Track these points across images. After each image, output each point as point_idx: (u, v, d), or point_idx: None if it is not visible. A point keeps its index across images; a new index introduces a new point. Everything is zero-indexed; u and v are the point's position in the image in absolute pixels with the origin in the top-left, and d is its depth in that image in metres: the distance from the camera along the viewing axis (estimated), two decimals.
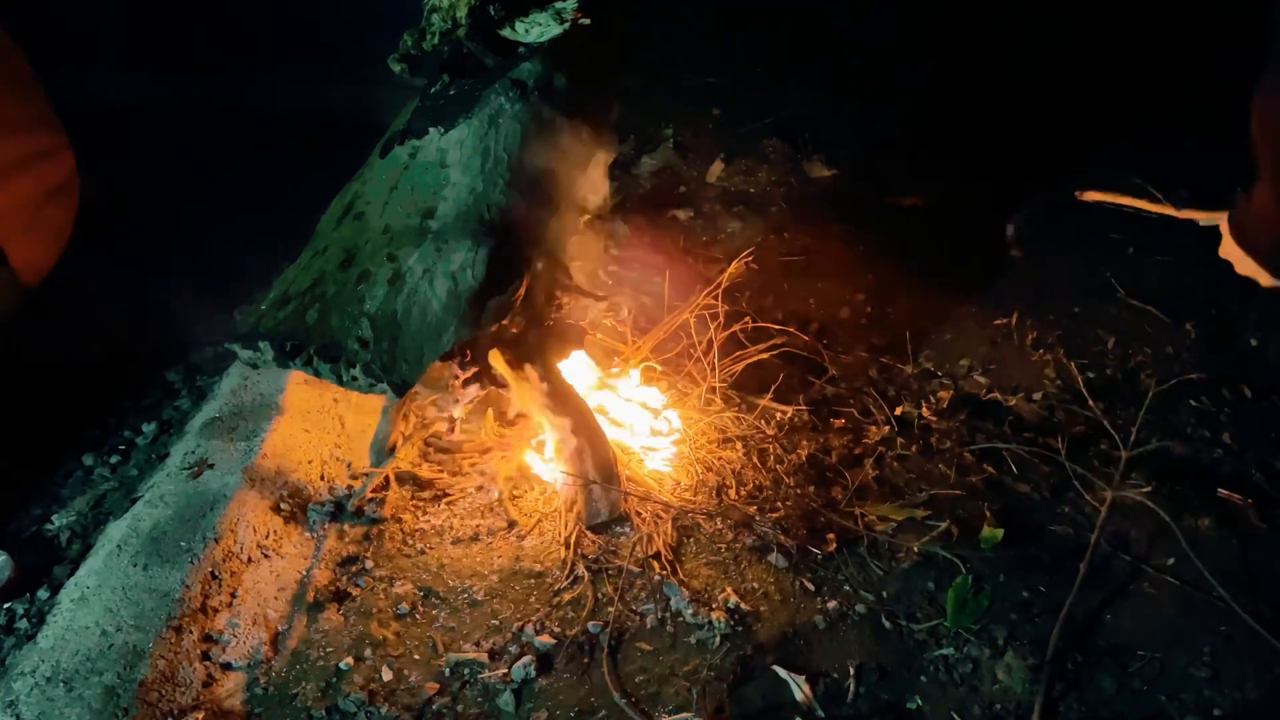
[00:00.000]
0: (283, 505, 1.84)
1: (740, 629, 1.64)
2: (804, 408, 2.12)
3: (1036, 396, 2.21)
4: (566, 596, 1.71)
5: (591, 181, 1.76)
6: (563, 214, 1.74)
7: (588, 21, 1.58)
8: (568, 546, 1.79)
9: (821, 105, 3.57)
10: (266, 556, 1.75)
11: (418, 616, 1.69)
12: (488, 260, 1.51)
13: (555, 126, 1.63)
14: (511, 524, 1.87)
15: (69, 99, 2.38)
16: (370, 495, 1.91)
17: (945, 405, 2.18)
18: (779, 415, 2.10)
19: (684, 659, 1.59)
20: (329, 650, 1.62)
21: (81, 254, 2.41)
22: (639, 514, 1.84)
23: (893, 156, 3.31)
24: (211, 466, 1.86)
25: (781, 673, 1.55)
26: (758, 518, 1.83)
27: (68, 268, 2.35)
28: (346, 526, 1.86)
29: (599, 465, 1.81)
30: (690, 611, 1.66)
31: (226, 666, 1.57)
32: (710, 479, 1.93)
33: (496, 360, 1.81)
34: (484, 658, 1.59)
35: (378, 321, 1.45)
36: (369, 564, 1.79)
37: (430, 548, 1.83)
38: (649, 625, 1.66)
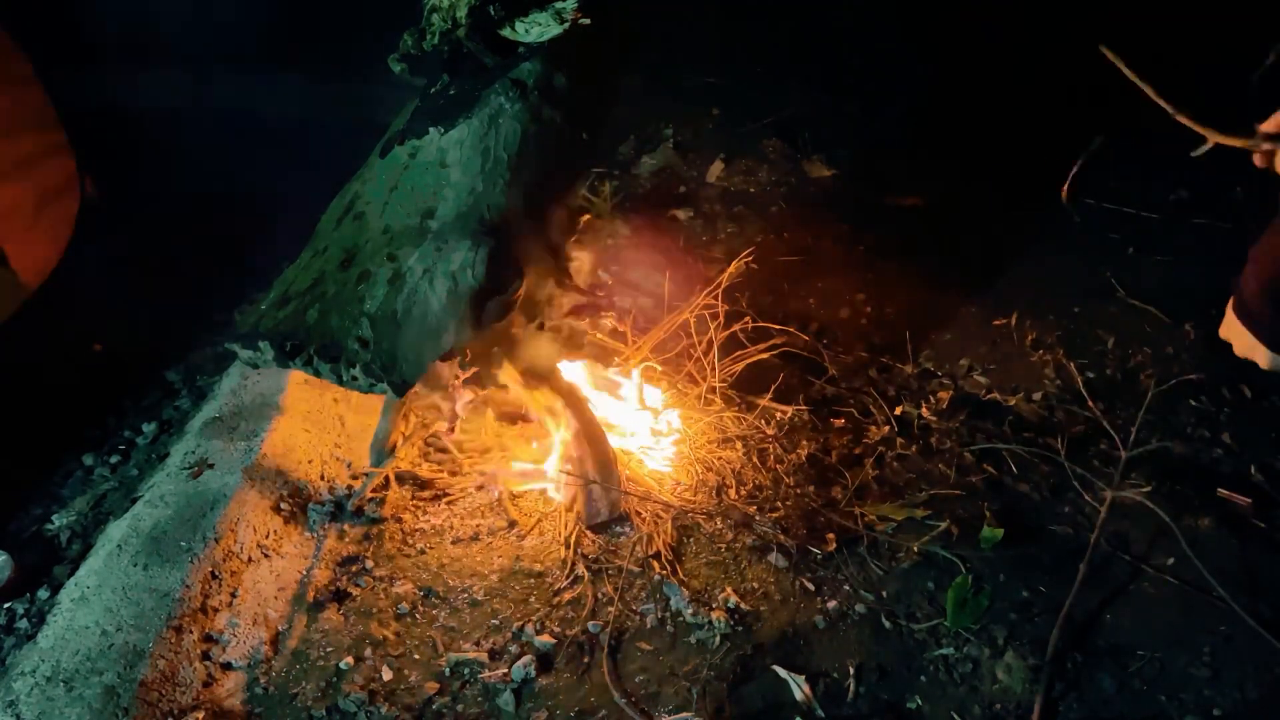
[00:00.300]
0: (283, 505, 1.84)
1: (740, 629, 1.64)
2: (804, 408, 2.12)
3: (1036, 396, 2.21)
4: (566, 596, 1.71)
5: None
6: (562, 214, 1.74)
7: (588, 21, 1.58)
8: (568, 546, 1.79)
9: (821, 105, 3.57)
10: (266, 556, 1.75)
11: (418, 616, 1.69)
12: (488, 260, 1.51)
13: (555, 126, 1.63)
14: (511, 524, 1.87)
15: (69, 99, 2.38)
16: (370, 495, 1.90)
17: (945, 405, 2.18)
18: (779, 415, 2.10)
19: (684, 659, 1.59)
20: (329, 650, 1.62)
21: (81, 254, 2.41)
22: (639, 514, 1.84)
23: (893, 156, 3.31)
24: (211, 466, 1.86)
25: (781, 673, 1.55)
26: (758, 518, 1.83)
27: (68, 268, 2.36)
28: (346, 526, 1.86)
29: (599, 465, 1.81)
30: (690, 611, 1.66)
31: (226, 666, 1.57)
32: (710, 479, 1.93)
33: (497, 361, 1.81)
34: (484, 657, 1.59)
35: (378, 321, 1.45)
36: (369, 564, 1.79)
37: (430, 548, 1.83)
38: (649, 625, 1.66)
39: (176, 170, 3.10)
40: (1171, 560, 1.75)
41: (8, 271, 2.12)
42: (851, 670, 1.57)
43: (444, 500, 1.93)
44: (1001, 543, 1.78)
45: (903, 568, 1.76)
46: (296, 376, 2.08)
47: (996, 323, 2.48)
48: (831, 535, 1.80)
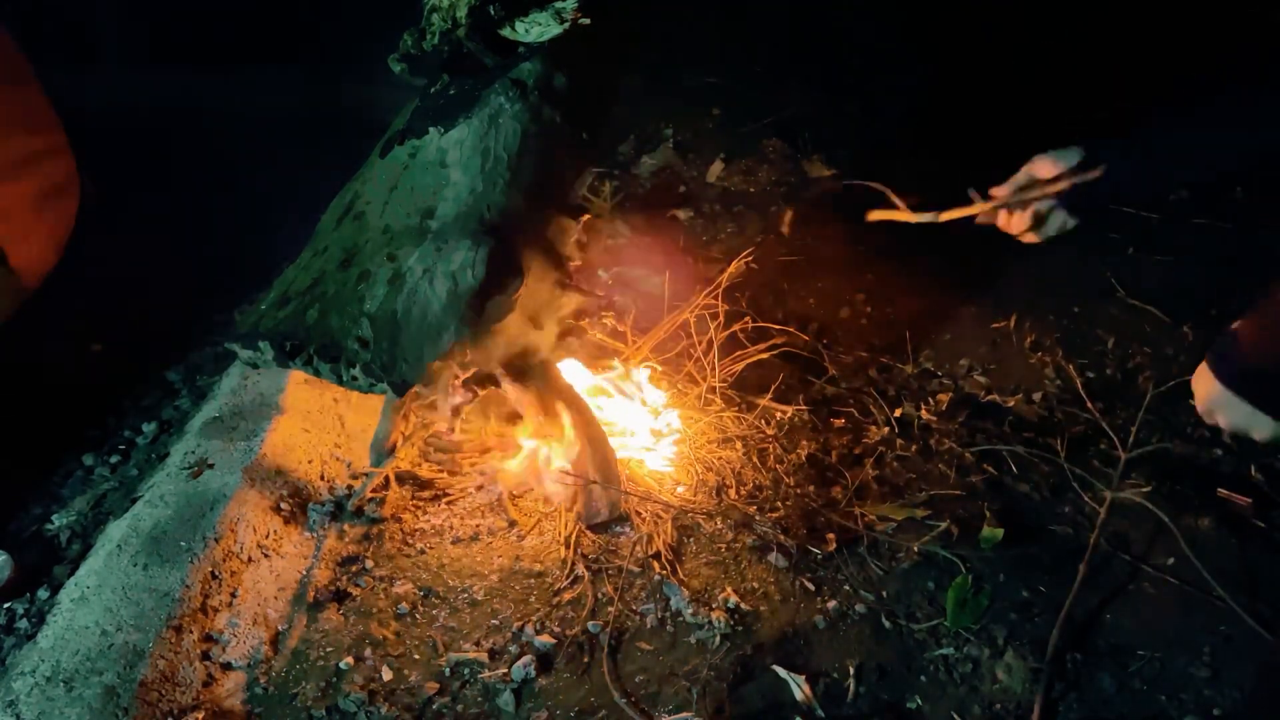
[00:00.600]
0: (283, 505, 1.84)
1: (740, 629, 1.64)
2: (804, 408, 2.12)
3: (1036, 397, 2.21)
4: (566, 596, 1.71)
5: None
6: (562, 214, 1.74)
7: (588, 21, 1.58)
8: (568, 546, 1.79)
9: (821, 105, 3.57)
10: (266, 556, 1.75)
11: (418, 616, 1.69)
12: (488, 260, 1.51)
13: (555, 126, 1.63)
14: (511, 524, 1.87)
15: (69, 99, 2.38)
16: (370, 495, 1.90)
17: (945, 405, 2.18)
18: (779, 415, 2.10)
19: (684, 659, 1.59)
20: (329, 650, 1.62)
21: (81, 254, 2.41)
22: (639, 514, 1.84)
23: (893, 156, 3.31)
24: (211, 466, 1.86)
25: (781, 673, 1.55)
26: (758, 518, 1.83)
27: (68, 268, 2.36)
28: (346, 526, 1.86)
29: (599, 465, 1.81)
30: (690, 611, 1.66)
31: (226, 666, 1.57)
32: (710, 479, 1.93)
33: (497, 361, 1.81)
34: (484, 657, 1.59)
35: (378, 321, 1.45)
36: (369, 564, 1.79)
37: (430, 548, 1.83)
38: (649, 625, 1.66)
39: (176, 170, 3.10)
40: (1171, 560, 1.75)
41: (8, 271, 2.12)
42: (851, 670, 1.57)
43: (444, 500, 1.93)
44: (1001, 543, 1.78)
45: (903, 568, 1.76)
46: (296, 376, 2.08)
47: (996, 324, 2.48)
48: (831, 535, 1.80)
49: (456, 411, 1.92)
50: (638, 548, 1.79)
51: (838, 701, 1.53)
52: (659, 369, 2.16)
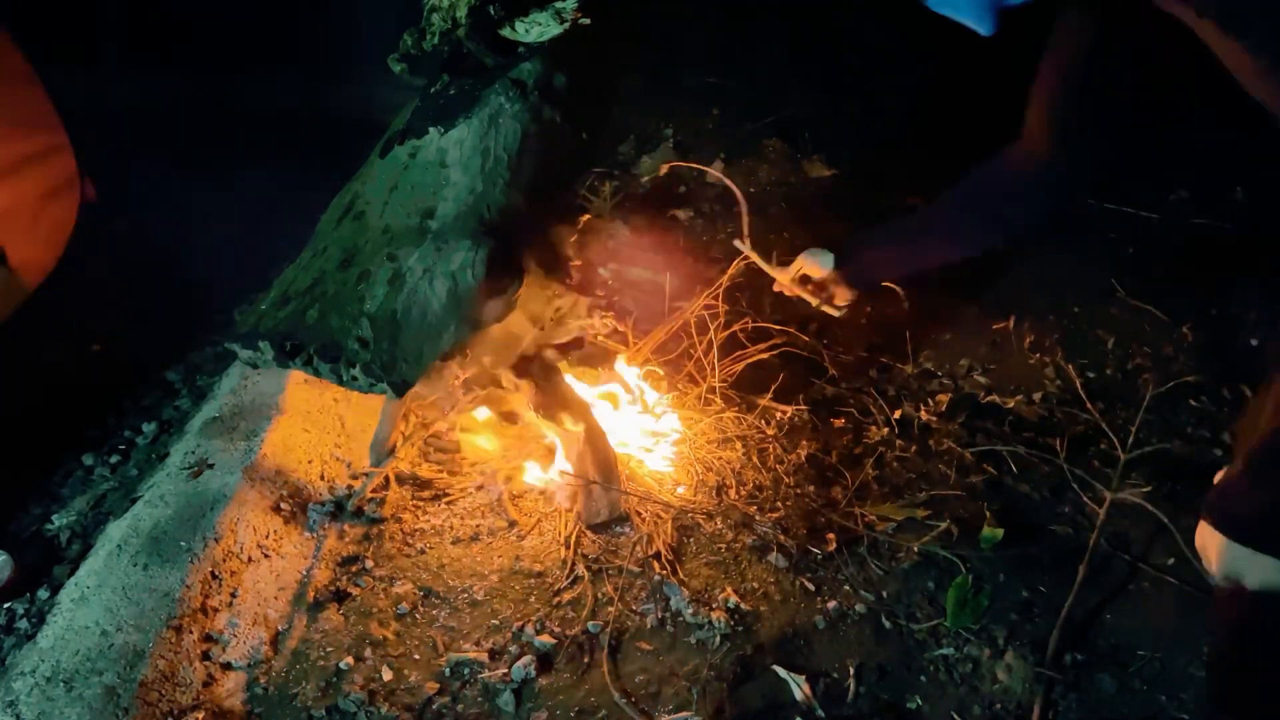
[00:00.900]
0: (283, 505, 1.84)
1: (740, 629, 1.64)
2: (804, 408, 2.12)
3: (1036, 397, 2.21)
4: (566, 596, 1.71)
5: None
6: (562, 214, 1.74)
7: (588, 21, 1.58)
8: (568, 546, 1.79)
9: (821, 105, 3.57)
10: (266, 556, 1.75)
11: (418, 616, 1.69)
12: (488, 260, 1.51)
13: (555, 126, 1.63)
14: (511, 524, 1.87)
15: (69, 99, 2.38)
16: (370, 495, 1.90)
17: (945, 405, 2.18)
18: (779, 415, 2.10)
19: (684, 659, 1.59)
20: (329, 650, 1.62)
21: (81, 254, 2.41)
22: (639, 514, 1.84)
23: (893, 156, 3.31)
24: (211, 466, 1.86)
25: (781, 673, 1.55)
26: (758, 518, 1.83)
27: (68, 268, 2.35)
28: (346, 526, 1.86)
29: (599, 465, 1.81)
30: (690, 611, 1.66)
31: (226, 666, 1.57)
32: (710, 479, 1.93)
33: (496, 360, 1.81)
34: (484, 658, 1.59)
35: (378, 321, 1.45)
36: (369, 564, 1.79)
37: (430, 548, 1.83)
38: (649, 625, 1.66)
39: (176, 170, 3.10)
40: (1171, 560, 1.75)
41: (8, 271, 2.12)
42: (851, 670, 1.57)
43: (444, 500, 1.93)
44: (1001, 543, 1.78)
45: (903, 568, 1.76)
46: (296, 376, 2.07)
47: (996, 325, 2.48)
48: (831, 535, 1.80)
49: (456, 411, 1.92)
50: (638, 548, 1.79)
51: (838, 701, 1.53)
52: (659, 369, 2.16)
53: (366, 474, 1.96)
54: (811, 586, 1.72)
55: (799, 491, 1.90)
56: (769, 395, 2.11)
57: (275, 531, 1.79)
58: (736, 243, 1.95)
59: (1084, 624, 1.64)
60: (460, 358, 1.76)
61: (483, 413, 2.01)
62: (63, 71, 2.47)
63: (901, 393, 2.25)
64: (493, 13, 1.62)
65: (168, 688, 1.49)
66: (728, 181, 1.99)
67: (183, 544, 1.68)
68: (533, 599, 1.71)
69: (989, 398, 2.22)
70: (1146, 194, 3.01)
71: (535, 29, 1.62)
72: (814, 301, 1.88)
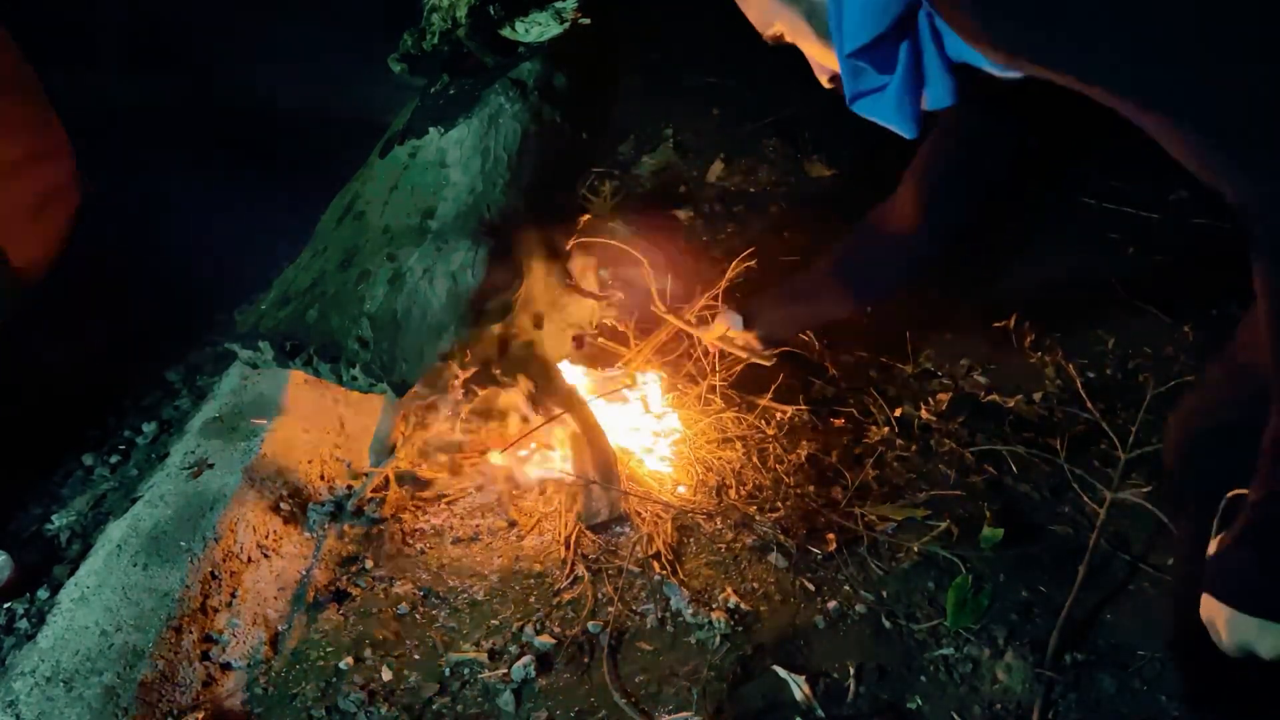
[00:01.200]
0: (283, 505, 1.84)
1: (740, 629, 1.64)
2: (804, 408, 2.12)
3: (1036, 397, 2.21)
4: (566, 596, 1.71)
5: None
6: (562, 214, 1.74)
7: (588, 21, 1.58)
8: (568, 546, 1.79)
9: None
10: (266, 556, 1.75)
11: (418, 616, 1.69)
12: (488, 260, 1.51)
13: (555, 126, 1.63)
14: (511, 524, 1.87)
15: (69, 99, 2.38)
16: (370, 495, 1.90)
17: (945, 405, 2.18)
18: (779, 415, 2.10)
19: (684, 659, 1.59)
20: (329, 650, 1.62)
21: (81, 254, 2.41)
22: (639, 514, 1.84)
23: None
24: (211, 466, 1.86)
25: (781, 673, 1.55)
26: (758, 518, 1.83)
27: (68, 268, 2.35)
28: (346, 526, 1.86)
29: (599, 465, 1.81)
30: (690, 611, 1.66)
31: (226, 666, 1.57)
32: (710, 479, 1.93)
33: (497, 361, 1.81)
34: (484, 658, 1.59)
35: (378, 321, 1.45)
36: (369, 564, 1.79)
37: (430, 548, 1.83)
38: (649, 625, 1.66)
39: (176, 170, 3.10)
40: (1171, 560, 1.75)
41: (8, 271, 2.12)
42: (851, 670, 1.57)
43: (444, 500, 1.93)
44: (1001, 543, 1.78)
45: (903, 568, 1.76)
46: (296, 376, 2.07)
47: (996, 324, 2.48)
48: (831, 535, 1.80)
49: (456, 411, 1.92)
50: (638, 548, 1.79)
51: (838, 701, 1.53)
52: (659, 369, 2.16)
53: (366, 474, 1.96)
54: (811, 586, 1.72)
55: (799, 491, 1.90)
56: (769, 395, 2.11)
57: (275, 531, 1.79)
58: (654, 308, 2.07)
59: (1084, 624, 1.64)
60: (460, 358, 1.76)
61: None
62: (62, 72, 2.48)
63: (901, 393, 2.25)
64: (493, 13, 1.62)
65: (167, 688, 1.49)
66: (633, 248, 2.07)
67: (183, 544, 1.68)
68: (533, 599, 1.71)
69: (989, 397, 2.22)
70: (1146, 194, 3.02)
71: (535, 29, 1.62)
72: (740, 355, 2.01)
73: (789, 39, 1.31)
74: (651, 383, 2.13)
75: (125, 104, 3.47)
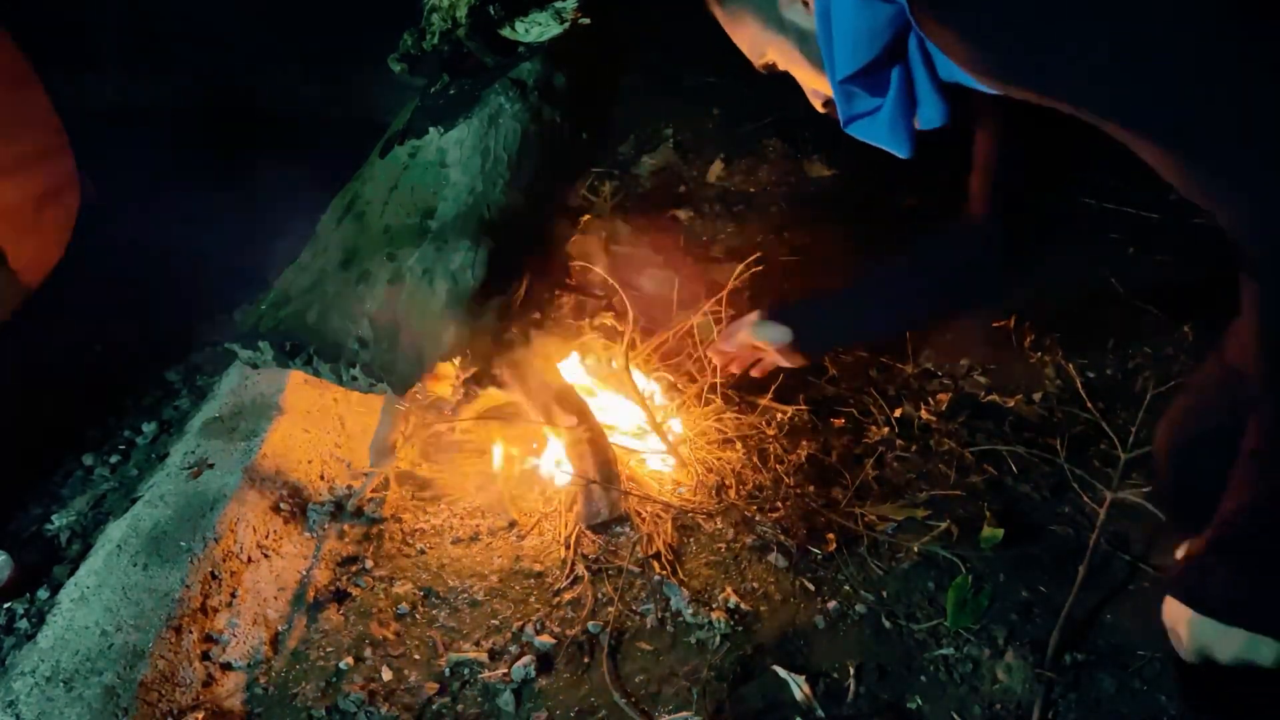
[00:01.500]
0: (283, 505, 1.84)
1: (740, 629, 1.64)
2: (804, 408, 2.12)
3: (1036, 397, 2.21)
4: (566, 596, 1.71)
5: None
6: (562, 214, 1.74)
7: (588, 21, 1.58)
8: (568, 546, 1.79)
9: None
10: (266, 556, 1.75)
11: (418, 616, 1.69)
12: (488, 260, 1.51)
13: (555, 126, 1.63)
14: (511, 524, 1.87)
15: (69, 99, 2.38)
16: (370, 495, 1.90)
17: (945, 406, 2.18)
18: (779, 415, 2.10)
19: (684, 659, 1.59)
20: (329, 650, 1.62)
21: (81, 254, 2.41)
22: (639, 514, 1.84)
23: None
24: (211, 466, 1.86)
25: (781, 673, 1.55)
26: (758, 518, 1.83)
27: (68, 268, 2.36)
28: (346, 526, 1.86)
29: (599, 465, 1.81)
30: (690, 611, 1.66)
31: (226, 666, 1.57)
32: (710, 479, 1.93)
33: (497, 361, 1.81)
34: (484, 658, 1.59)
35: (378, 321, 1.45)
36: (369, 564, 1.79)
37: (430, 548, 1.83)
38: (649, 625, 1.66)
39: (176, 171, 3.10)
40: (1171, 560, 1.74)
41: (8, 271, 2.12)
42: (851, 670, 1.57)
43: (444, 500, 1.93)
44: (1001, 543, 1.78)
45: (903, 568, 1.76)
46: (296, 376, 2.07)
47: (996, 324, 2.48)
48: (831, 535, 1.80)
49: (456, 411, 1.92)
50: (638, 548, 1.79)
51: (838, 701, 1.52)
52: (660, 370, 2.16)
53: (366, 474, 1.96)
54: (811, 586, 1.72)
55: (799, 491, 1.90)
56: (769, 395, 2.11)
57: (275, 531, 1.79)
58: (614, 362, 1.99)
59: (1084, 624, 1.64)
60: (460, 358, 1.76)
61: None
62: (63, 72, 2.48)
63: (901, 393, 2.25)
64: (493, 13, 1.62)
65: (167, 688, 1.49)
66: (636, 249, 2.01)
67: (183, 544, 1.68)
68: (533, 599, 1.71)
69: (989, 397, 2.22)
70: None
71: (535, 29, 1.62)
72: (754, 372, 1.92)
73: (781, 66, 1.31)
74: (651, 382, 2.13)
75: (125, 104, 3.47)
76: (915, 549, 1.78)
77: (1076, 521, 1.86)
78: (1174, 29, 0.91)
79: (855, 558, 1.78)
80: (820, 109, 1.29)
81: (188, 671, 1.53)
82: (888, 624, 1.65)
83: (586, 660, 1.59)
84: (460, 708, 1.52)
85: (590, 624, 1.65)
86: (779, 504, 1.87)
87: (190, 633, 1.57)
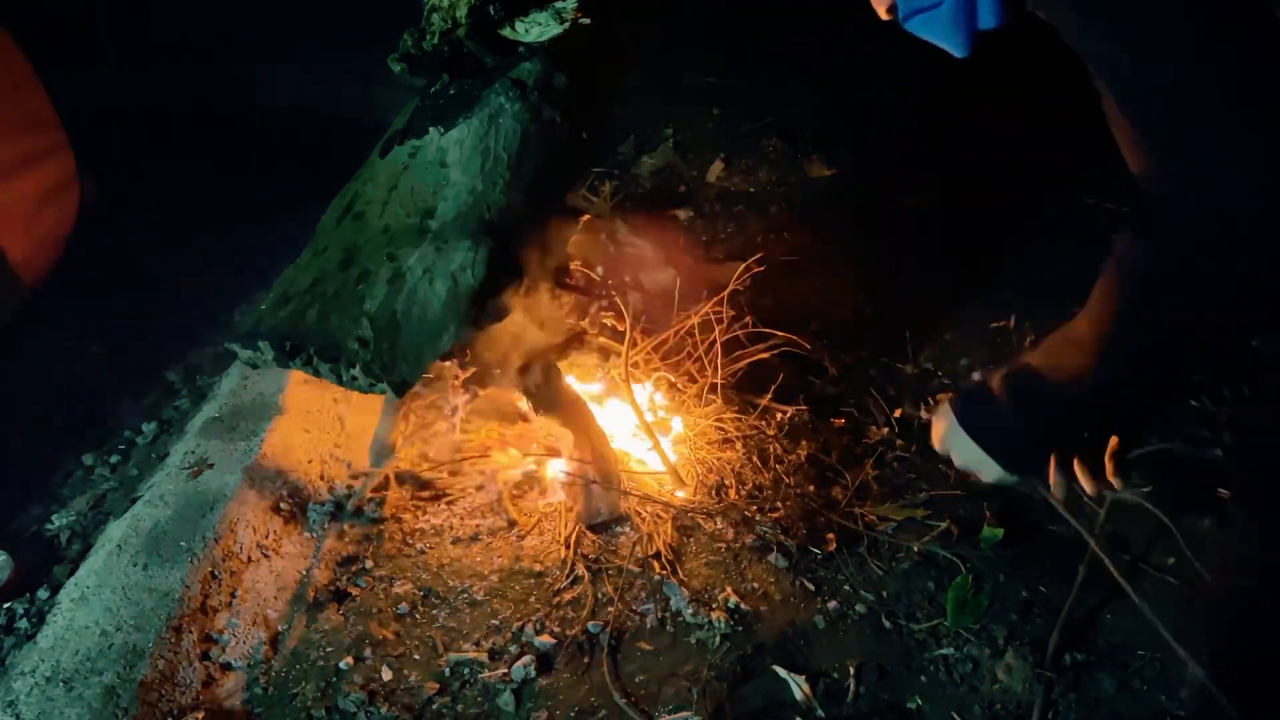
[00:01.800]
0: (283, 505, 1.84)
1: (740, 629, 1.64)
2: (804, 408, 2.12)
3: None
4: (566, 596, 1.71)
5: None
6: (562, 214, 1.74)
7: (588, 21, 1.58)
8: (568, 546, 1.79)
9: (821, 105, 3.56)
10: (266, 556, 1.75)
11: (418, 616, 1.69)
12: (488, 260, 1.51)
13: (555, 126, 1.63)
14: (511, 524, 1.87)
15: (69, 99, 2.38)
16: (370, 495, 1.90)
17: None
18: (779, 415, 2.10)
19: (684, 659, 1.59)
20: (329, 650, 1.62)
21: (81, 254, 2.41)
22: (639, 514, 1.84)
23: (893, 156, 3.31)
24: (211, 466, 1.86)
25: (781, 673, 1.55)
26: (758, 518, 1.83)
27: (68, 268, 2.36)
28: (346, 526, 1.86)
29: (599, 465, 1.81)
30: (690, 611, 1.66)
31: (226, 666, 1.57)
32: (710, 479, 1.93)
33: (497, 361, 1.81)
34: (484, 658, 1.59)
35: (378, 321, 1.45)
36: (369, 564, 1.79)
37: (430, 548, 1.83)
38: (649, 625, 1.66)
39: (176, 170, 3.10)
40: (1172, 560, 1.75)
41: (8, 271, 2.12)
42: (851, 670, 1.57)
43: (444, 500, 1.93)
44: (1001, 543, 1.78)
45: (903, 568, 1.76)
46: (296, 376, 2.08)
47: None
48: (831, 535, 1.80)
49: (456, 411, 1.92)
50: (638, 548, 1.79)
51: (838, 701, 1.53)
52: (660, 369, 2.16)
53: (366, 474, 1.96)
54: (811, 586, 1.72)
55: (799, 491, 1.90)
56: (769, 395, 2.11)
57: (275, 531, 1.79)
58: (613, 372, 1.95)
59: (1084, 624, 1.64)
60: (460, 358, 1.76)
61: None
62: (63, 72, 2.48)
63: (901, 393, 2.24)
64: (493, 13, 1.62)
65: (167, 688, 1.49)
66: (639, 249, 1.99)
67: (183, 544, 1.68)
68: (533, 599, 1.71)
69: None
70: None
71: (535, 29, 1.61)
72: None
73: None
74: (651, 382, 2.13)
75: (125, 104, 3.47)
76: (915, 549, 1.78)
77: (1077, 521, 1.86)
78: None
79: (855, 558, 1.78)
80: (884, 15, 1.30)
81: (188, 671, 1.53)
82: (888, 624, 1.65)
83: (586, 660, 1.59)
84: (460, 708, 1.52)
85: (590, 624, 1.65)
86: (779, 504, 1.87)
87: (190, 633, 1.57)
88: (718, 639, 1.62)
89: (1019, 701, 1.52)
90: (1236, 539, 1.33)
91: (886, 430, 2.09)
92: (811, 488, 1.92)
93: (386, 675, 1.57)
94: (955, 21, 1.20)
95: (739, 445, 2.01)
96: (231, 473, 1.84)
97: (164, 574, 1.63)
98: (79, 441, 2.21)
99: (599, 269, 2.39)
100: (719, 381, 2.09)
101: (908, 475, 1.98)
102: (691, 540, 1.83)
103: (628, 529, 1.83)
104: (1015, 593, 1.71)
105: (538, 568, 1.77)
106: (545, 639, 1.61)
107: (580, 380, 2.05)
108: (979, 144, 3.25)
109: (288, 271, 1.60)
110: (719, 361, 2.10)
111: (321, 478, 1.96)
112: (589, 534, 1.82)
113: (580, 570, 1.75)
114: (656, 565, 1.75)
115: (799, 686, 1.52)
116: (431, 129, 1.60)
